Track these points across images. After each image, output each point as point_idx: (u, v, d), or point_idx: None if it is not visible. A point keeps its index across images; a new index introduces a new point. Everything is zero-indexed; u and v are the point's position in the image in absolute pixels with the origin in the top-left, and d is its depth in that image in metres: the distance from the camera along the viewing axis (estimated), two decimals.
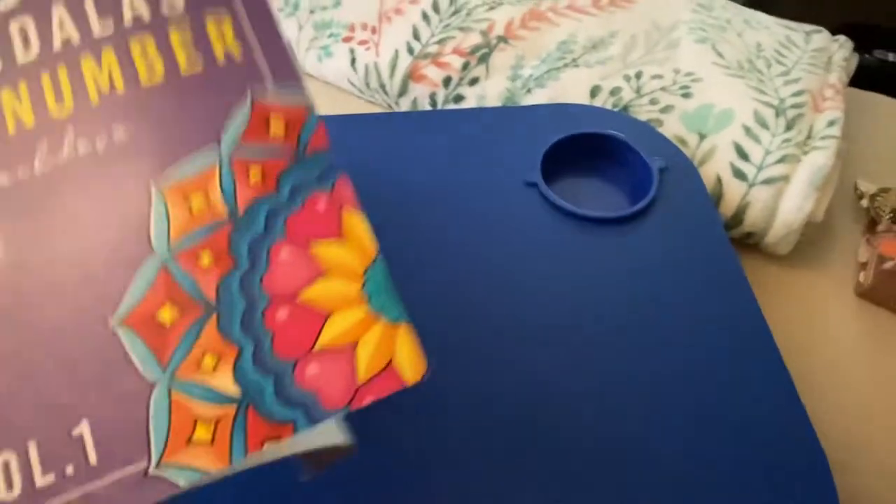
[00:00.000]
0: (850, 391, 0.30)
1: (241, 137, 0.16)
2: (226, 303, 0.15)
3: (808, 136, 0.34)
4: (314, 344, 0.15)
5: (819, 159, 0.32)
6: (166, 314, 0.15)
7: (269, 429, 0.14)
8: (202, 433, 0.14)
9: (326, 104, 0.41)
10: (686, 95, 0.36)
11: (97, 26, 0.17)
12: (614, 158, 0.33)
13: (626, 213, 0.31)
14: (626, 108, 0.36)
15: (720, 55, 0.38)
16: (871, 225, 0.36)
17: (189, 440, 0.14)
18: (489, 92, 0.38)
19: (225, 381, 0.14)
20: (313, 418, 0.14)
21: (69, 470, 0.14)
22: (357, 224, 0.16)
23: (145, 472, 0.14)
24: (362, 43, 0.40)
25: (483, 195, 0.32)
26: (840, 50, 0.40)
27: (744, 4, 0.44)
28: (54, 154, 0.16)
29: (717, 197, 0.33)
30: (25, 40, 0.17)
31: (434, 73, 0.39)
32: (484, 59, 0.39)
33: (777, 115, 0.34)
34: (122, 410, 0.14)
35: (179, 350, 0.15)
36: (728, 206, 0.33)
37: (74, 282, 0.15)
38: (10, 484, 0.13)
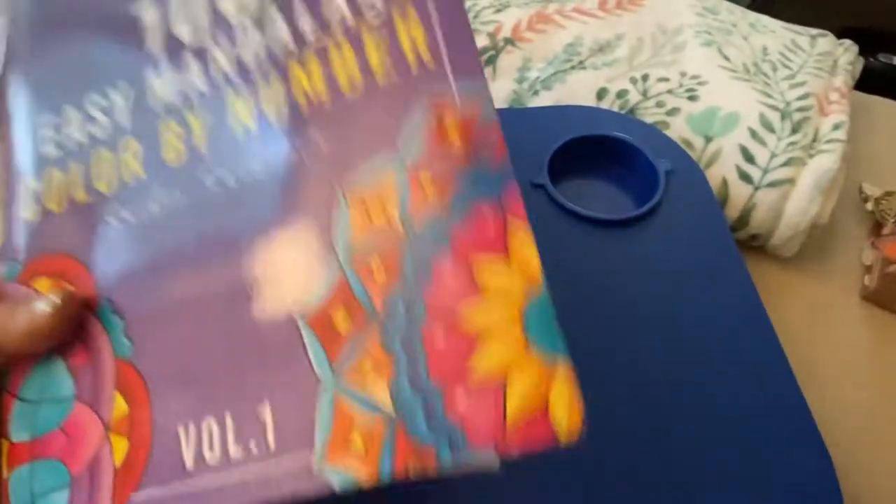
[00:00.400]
0: (854, 394, 0.30)
1: (422, 147, 0.16)
2: (390, 313, 0.15)
3: (814, 140, 0.34)
4: (465, 370, 0.14)
5: (825, 162, 0.33)
6: (340, 318, 0.15)
7: (415, 453, 0.14)
8: (358, 442, 0.14)
9: None
10: (692, 98, 0.36)
11: (311, 36, 0.18)
12: (621, 161, 0.34)
13: (632, 216, 0.31)
14: (632, 110, 0.37)
15: (726, 58, 0.38)
16: (877, 228, 0.36)
17: (347, 446, 0.14)
18: (496, 94, 0.39)
19: (382, 395, 0.14)
20: (458, 452, 0.13)
21: (252, 447, 0.15)
22: (525, 238, 0.15)
23: (309, 467, 0.14)
24: None
25: None
26: (845, 53, 0.40)
27: (749, 8, 0.44)
28: (248, 175, 0.18)
29: (723, 199, 0.34)
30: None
31: None
32: (491, 60, 0.39)
33: (783, 118, 0.34)
34: (295, 401, 0.15)
35: (347, 355, 0.15)
36: (734, 209, 0.33)
37: (270, 277, 0.16)
38: (210, 446, 0.15)
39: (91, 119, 0.20)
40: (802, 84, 0.36)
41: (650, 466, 0.24)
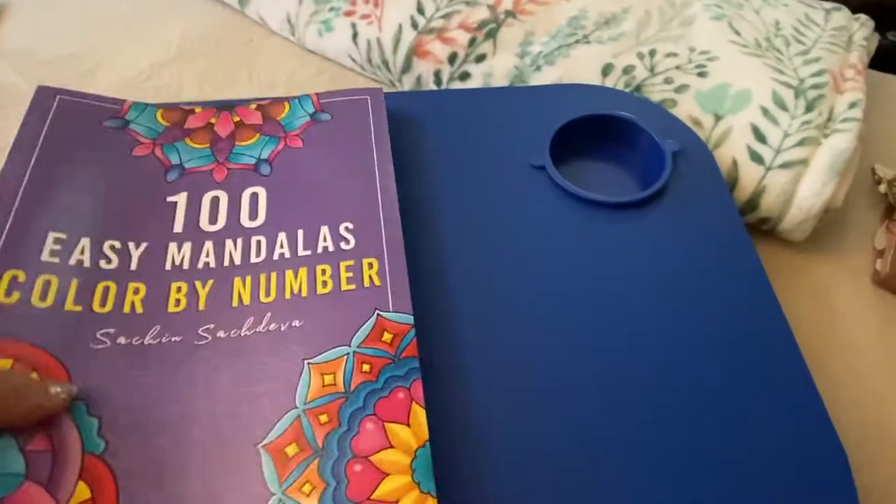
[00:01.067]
0: (866, 380, 0.29)
1: (365, 340, 0.23)
2: (327, 451, 0.21)
3: (829, 119, 0.33)
4: (372, 493, 0.20)
5: (840, 143, 0.31)
6: (291, 448, 0.21)
7: None
8: None
9: (326, 82, 0.40)
10: (702, 75, 0.35)
11: (301, 250, 0.25)
12: (626, 141, 0.32)
13: (636, 198, 0.30)
14: (639, 87, 0.35)
15: (737, 33, 0.37)
16: (889, 211, 0.34)
17: None
18: (497, 69, 0.37)
19: None
20: None
21: None
22: (420, 415, 0.21)
23: None
24: (364, 17, 0.39)
25: (489, 178, 0.30)
26: (861, 29, 0.38)
27: None
28: (255, 325, 0.23)
29: (733, 181, 0.32)
30: (258, 250, 0.25)
31: (439, 50, 0.37)
32: (491, 34, 0.37)
33: (796, 95, 0.33)
34: None
35: (292, 476, 0.20)
36: (743, 191, 0.32)
37: (242, 412, 0.21)
38: None
39: (103, 255, 0.24)
40: (817, 60, 0.35)
41: (656, 455, 0.23)
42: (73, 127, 0.27)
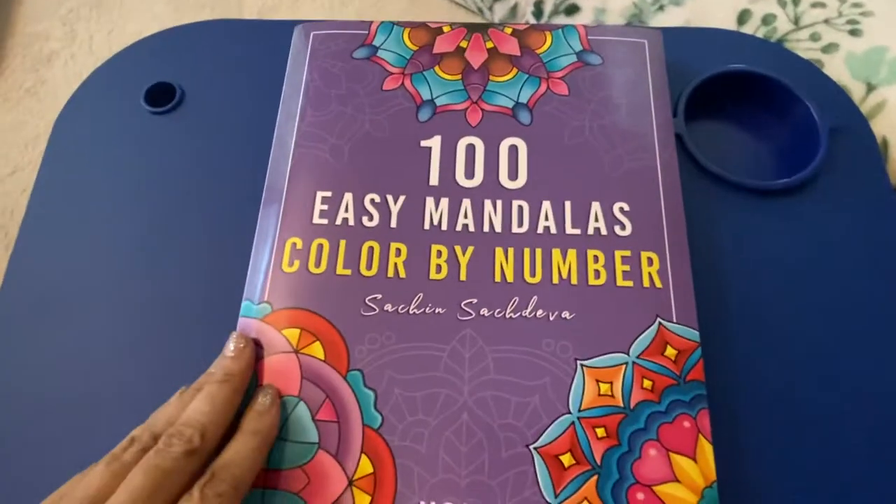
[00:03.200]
0: None
1: (645, 351, 0.21)
2: (606, 469, 0.20)
3: None
4: None
5: None
6: (566, 458, 0.20)
7: None
8: None
9: (402, 7, 0.34)
10: (854, 32, 0.30)
11: (570, 227, 0.23)
12: (771, 106, 0.28)
13: (787, 184, 0.26)
14: (780, 41, 0.30)
15: None
16: None
17: None
18: (611, 4, 0.32)
19: None
20: None
21: None
22: (708, 451, 0.20)
23: None
24: None
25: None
26: None
27: None
28: (520, 308, 0.22)
29: None
30: (521, 218, 0.23)
31: None
32: None
33: None
34: None
35: (568, 489, 0.19)
36: (892, 176, 0.28)
37: (510, 404, 0.21)
38: None
39: (364, 210, 0.24)
40: None
41: (791, 427, 0.22)
42: (328, 65, 0.27)
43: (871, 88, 0.29)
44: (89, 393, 0.23)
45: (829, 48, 0.30)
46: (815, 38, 0.30)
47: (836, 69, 0.30)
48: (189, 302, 0.24)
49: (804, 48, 0.30)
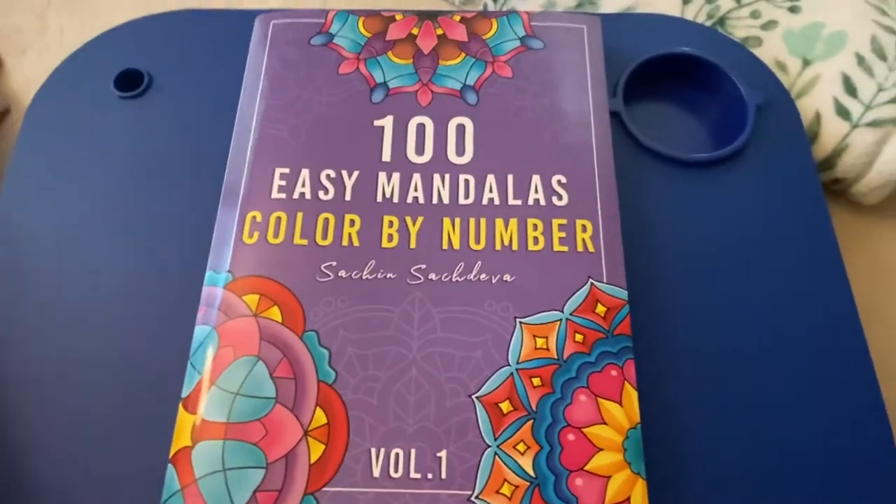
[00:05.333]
0: None
1: (578, 309, 0.23)
2: (540, 414, 0.21)
3: None
4: (585, 465, 0.21)
5: None
6: (505, 405, 0.22)
7: None
8: (506, 490, 0.21)
9: None
10: (793, 10, 0.31)
11: (511, 199, 0.25)
12: (703, 85, 0.29)
13: (714, 157, 0.27)
14: (722, 19, 0.32)
15: None
16: None
17: (498, 491, 0.21)
18: None
19: (527, 465, 0.21)
20: None
21: (430, 476, 0.21)
22: (633, 396, 0.22)
23: (468, 497, 0.21)
24: None
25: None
26: None
27: None
28: (465, 273, 0.24)
29: (812, 136, 0.30)
30: (467, 191, 0.25)
31: None
32: None
33: None
34: (464, 453, 0.21)
35: (507, 432, 0.21)
36: (822, 148, 0.30)
37: (455, 359, 0.22)
38: (396, 468, 0.21)
39: (320, 185, 0.25)
40: None
41: (709, 375, 0.24)
42: (287, 52, 0.28)
43: (806, 63, 0.30)
44: (65, 383, 0.24)
45: (769, 25, 0.31)
46: (755, 15, 0.31)
47: (774, 45, 0.31)
48: (163, 280, 0.26)
49: (745, 25, 0.31)
